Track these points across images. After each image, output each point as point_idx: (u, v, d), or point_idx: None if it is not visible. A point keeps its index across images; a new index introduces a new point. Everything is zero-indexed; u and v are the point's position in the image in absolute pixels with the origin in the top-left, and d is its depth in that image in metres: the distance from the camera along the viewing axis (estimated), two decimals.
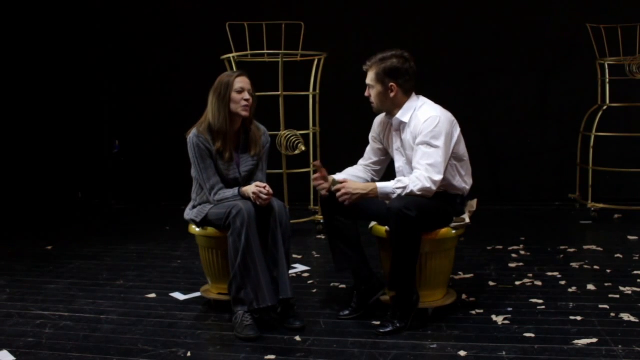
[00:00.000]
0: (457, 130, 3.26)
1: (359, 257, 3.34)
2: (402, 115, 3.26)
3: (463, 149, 3.32)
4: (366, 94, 3.32)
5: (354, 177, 3.42)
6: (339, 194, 3.14)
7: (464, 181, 3.34)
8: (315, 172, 3.32)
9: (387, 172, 3.55)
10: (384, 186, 3.13)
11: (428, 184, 3.08)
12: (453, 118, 3.26)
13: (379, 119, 3.47)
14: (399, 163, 3.37)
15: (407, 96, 3.28)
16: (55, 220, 6.36)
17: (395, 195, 3.09)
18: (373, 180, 3.47)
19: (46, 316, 3.48)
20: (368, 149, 3.54)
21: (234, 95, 3.32)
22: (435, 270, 3.31)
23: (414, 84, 3.29)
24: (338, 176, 3.39)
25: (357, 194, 3.14)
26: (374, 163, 3.52)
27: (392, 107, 3.28)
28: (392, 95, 3.24)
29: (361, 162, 3.55)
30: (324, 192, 3.28)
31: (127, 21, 6.93)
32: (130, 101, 7.06)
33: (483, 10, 6.28)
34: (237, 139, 3.45)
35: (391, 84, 3.22)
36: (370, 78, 3.27)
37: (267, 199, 3.22)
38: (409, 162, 3.27)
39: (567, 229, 5.37)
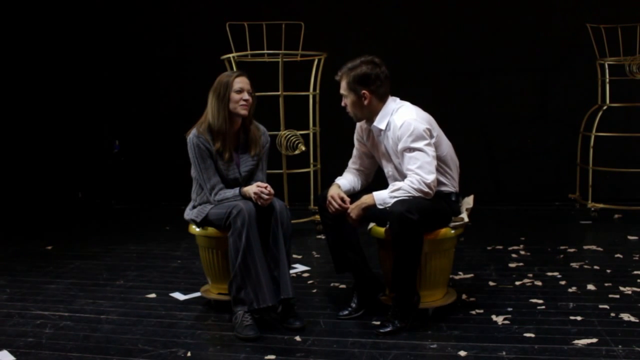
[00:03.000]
0: (435, 130, 3.23)
1: (358, 258, 3.35)
2: (379, 122, 3.24)
3: (445, 149, 3.29)
4: (342, 103, 3.30)
5: (353, 183, 3.43)
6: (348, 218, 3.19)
7: (452, 178, 3.34)
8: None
9: (381, 174, 3.54)
10: (380, 193, 3.14)
11: (423, 187, 3.08)
12: (430, 118, 3.25)
13: (361, 124, 3.45)
14: (388, 168, 3.36)
15: (383, 101, 3.25)
16: (55, 220, 6.36)
17: (393, 201, 3.09)
18: (366, 183, 3.51)
19: (46, 316, 3.47)
20: (355, 152, 3.52)
21: (233, 95, 3.31)
22: (435, 270, 3.31)
23: (387, 88, 3.26)
24: (345, 186, 3.40)
25: (356, 207, 3.16)
26: (363, 165, 3.50)
27: (369, 114, 3.26)
28: (366, 102, 3.22)
29: (351, 165, 3.52)
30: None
31: (128, 21, 6.93)
32: (130, 101, 7.07)
33: (483, 10, 6.28)
34: (237, 139, 3.45)
35: (363, 91, 3.20)
36: (342, 88, 3.25)
37: (268, 199, 3.22)
38: (398, 167, 3.26)
39: (567, 229, 5.37)
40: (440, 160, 3.25)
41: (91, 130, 7.15)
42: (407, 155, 3.13)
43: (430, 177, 3.10)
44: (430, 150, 3.13)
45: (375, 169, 3.55)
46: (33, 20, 6.81)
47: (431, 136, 3.17)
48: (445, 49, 6.32)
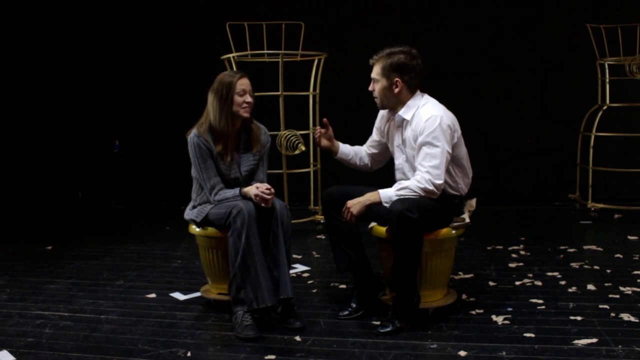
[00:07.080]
0: (458, 132, 3.25)
1: (359, 257, 3.35)
2: (405, 112, 3.26)
3: (463, 152, 3.31)
4: (370, 87, 3.30)
5: (357, 154, 3.53)
6: (344, 214, 3.18)
7: (462, 182, 3.34)
8: (322, 126, 3.46)
9: (389, 167, 3.55)
10: (386, 191, 3.15)
11: (430, 187, 3.08)
12: (455, 119, 3.26)
13: (383, 112, 3.47)
14: (399, 160, 3.37)
15: (412, 93, 3.27)
16: (55, 220, 6.36)
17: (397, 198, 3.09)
18: (370, 169, 3.61)
19: (46, 316, 3.48)
20: (371, 138, 3.56)
21: (236, 97, 3.31)
22: (435, 270, 3.31)
23: (419, 82, 3.28)
24: (345, 148, 3.53)
25: (359, 203, 3.15)
26: (375, 155, 3.56)
27: (396, 103, 3.27)
28: (396, 90, 3.23)
29: (366, 145, 3.59)
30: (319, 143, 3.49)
31: (127, 21, 6.93)
32: (130, 101, 7.07)
33: (483, 10, 6.28)
34: (238, 138, 3.45)
35: (396, 79, 3.21)
36: (375, 72, 3.26)
37: (270, 198, 3.22)
38: (409, 160, 3.27)
39: (567, 229, 5.37)
40: (456, 161, 3.27)
41: (91, 130, 7.15)
42: (425, 150, 3.13)
43: (440, 181, 3.11)
44: (447, 151, 3.13)
45: (385, 161, 3.57)
46: (33, 20, 6.81)
47: (453, 137, 3.19)
48: (445, 49, 6.32)
